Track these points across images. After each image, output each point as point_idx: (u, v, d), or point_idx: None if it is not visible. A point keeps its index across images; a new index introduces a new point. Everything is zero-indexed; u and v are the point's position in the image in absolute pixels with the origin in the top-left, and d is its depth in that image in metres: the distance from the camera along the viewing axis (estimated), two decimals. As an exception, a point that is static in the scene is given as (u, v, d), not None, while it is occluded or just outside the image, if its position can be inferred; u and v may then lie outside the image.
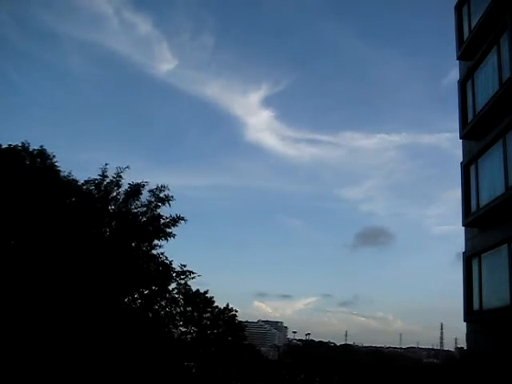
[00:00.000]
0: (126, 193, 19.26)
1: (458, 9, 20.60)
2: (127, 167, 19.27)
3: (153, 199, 19.30)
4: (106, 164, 19.25)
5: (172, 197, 19.43)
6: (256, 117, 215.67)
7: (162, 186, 19.37)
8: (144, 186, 19.35)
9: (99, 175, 19.08)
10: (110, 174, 19.22)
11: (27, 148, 18.60)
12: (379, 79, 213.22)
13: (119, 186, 19.26)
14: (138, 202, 19.32)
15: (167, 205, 19.41)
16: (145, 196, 19.38)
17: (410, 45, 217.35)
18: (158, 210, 19.46)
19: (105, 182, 19.14)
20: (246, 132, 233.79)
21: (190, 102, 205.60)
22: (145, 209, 19.33)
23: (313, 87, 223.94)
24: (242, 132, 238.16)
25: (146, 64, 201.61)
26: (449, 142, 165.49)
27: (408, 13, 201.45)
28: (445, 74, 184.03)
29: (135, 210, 19.38)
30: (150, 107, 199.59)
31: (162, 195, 19.35)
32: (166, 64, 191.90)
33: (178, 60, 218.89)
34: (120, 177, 19.15)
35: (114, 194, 19.26)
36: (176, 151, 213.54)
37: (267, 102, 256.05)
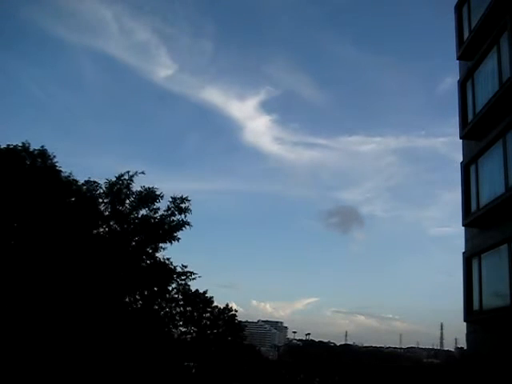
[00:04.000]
0: (137, 196, 19.63)
1: (458, 9, 20.58)
2: (142, 172, 19.80)
3: (172, 206, 19.69)
4: (128, 171, 19.90)
5: (190, 209, 20.08)
6: (255, 121, 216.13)
7: (185, 198, 19.88)
8: (155, 191, 19.75)
9: (115, 177, 19.51)
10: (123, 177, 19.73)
11: (28, 148, 18.62)
12: (376, 84, 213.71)
13: (129, 189, 19.64)
14: (150, 207, 19.73)
15: (183, 215, 19.87)
16: (164, 201, 19.87)
17: (406, 50, 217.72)
18: (174, 218, 19.89)
19: (117, 185, 19.49)
20: (246, 136, 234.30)
21: (189, 107, 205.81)
22: (152, 213, 19.71)
23: (311, 92, 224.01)
24: (242, 136, 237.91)
25: (146, 69, 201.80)
26: (445, 146, 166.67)
27: (405, 19, 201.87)
28: (441, 80, 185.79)
29: (144, 213, 19.75)
30: (150, 112, 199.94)
31: (182, 205, 19.76)
32: (165, 69, 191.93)
33: (178, 65, 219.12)
34: (131, 180, 19.55)
35: (123, 196, 19.59)
36: (177, 155, 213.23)
37: (266, 106, 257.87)
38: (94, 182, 19.58)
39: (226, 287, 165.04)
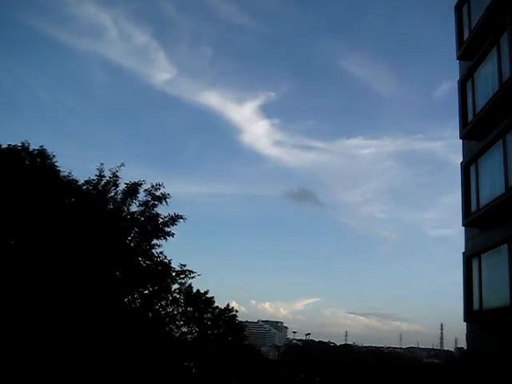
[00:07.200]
0: (124, 192, 19.24)
1: (458, 9, 20.56)
2: (122, 165, 19.29)
3: (149, 198, 19.28)
4: (102, 164, 19.25)
5: (168, 194, 19.39)
6: (255, 124, 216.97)
7: (157, 185, 19.32)
8: (141, 185, 19.32)
9: (96, 175, 19.11)
10: (107, 174, 19.34)
11: (27, 148, 18.61)
12: (374, 88, 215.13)
13: (116, 186, 19.27)
14: (136, 201, 19.33)
15: (164, 203, 19.40)
16: (141, 195, 19.41)
17: (404, 54, 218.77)
18: (156, 209, 19.47)
19: (102, 182, 19.13)
20: (245, 139, 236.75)
21: (189, 110, 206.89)
22: (143, 208, 19.30)
23: (310, 95, 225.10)
24: (242, 139, 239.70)
25: (145, 73, 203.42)
26: (443, 149, 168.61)
27: (402, 23, 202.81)
28: (438, 84, 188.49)
29: (133, 210, 19.39)
30: (150, 115, 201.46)
31: (157, 193, 19.33)
32: (164, 73, 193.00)
33: (177, 69, 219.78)
34: (116, 176, 19.16)
35: (112, 193, 19.27)
36: (178, 159, 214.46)
37: (266, 110, 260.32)
38: (91, 181, 19.29)
39: (226, 287, 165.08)
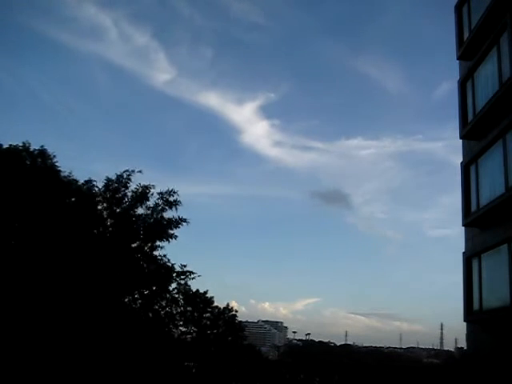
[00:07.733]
0: (133, 195, 19.45)
1: (458, 9, 20.57)
2: (140, 171, 19.58)
3: (160, 202, 19.49)
4: (129, 171, 19.51)
5: (180, 202, 19.70)
6: (255, 125, 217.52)
7: (171, 191, 19.62)
8: (150, 188, 19.55)
9: (116, 174, 19.35)
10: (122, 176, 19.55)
11: (28, 148, 18.61)
12: (373, 89, 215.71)
13: (127, 188, 19.48)
14: (144, 205, 19.54)
15: (174, 209, 19.66)
16: (153, 198, 19.66)
17: (404, 55, 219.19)
18: (164, 214, 19.68)
19: (114, 184, 19.34)
20: (245, 140, 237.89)
21: (189, 111, 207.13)
22: (149, 211, 19.51)
23: (309, 96, 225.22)
24: (241, 140, 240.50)
25: (145, 74, 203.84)
26: (442, 150, 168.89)
27: (402, 24, 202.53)
28: (438, 85, 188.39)
29: (140, 212, 19.57)
30: (150, 116, 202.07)
31: (171, 199, 19.55)
32: (164, 74, 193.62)
33: (177, 70, 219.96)
34: (129, 179, 19.38)
35: (121, 195, 19.44)
36: (178, 160, 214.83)
37: (266, 111, 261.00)
38: (91, 181, 19.44)
39: (226, 287, 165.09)
